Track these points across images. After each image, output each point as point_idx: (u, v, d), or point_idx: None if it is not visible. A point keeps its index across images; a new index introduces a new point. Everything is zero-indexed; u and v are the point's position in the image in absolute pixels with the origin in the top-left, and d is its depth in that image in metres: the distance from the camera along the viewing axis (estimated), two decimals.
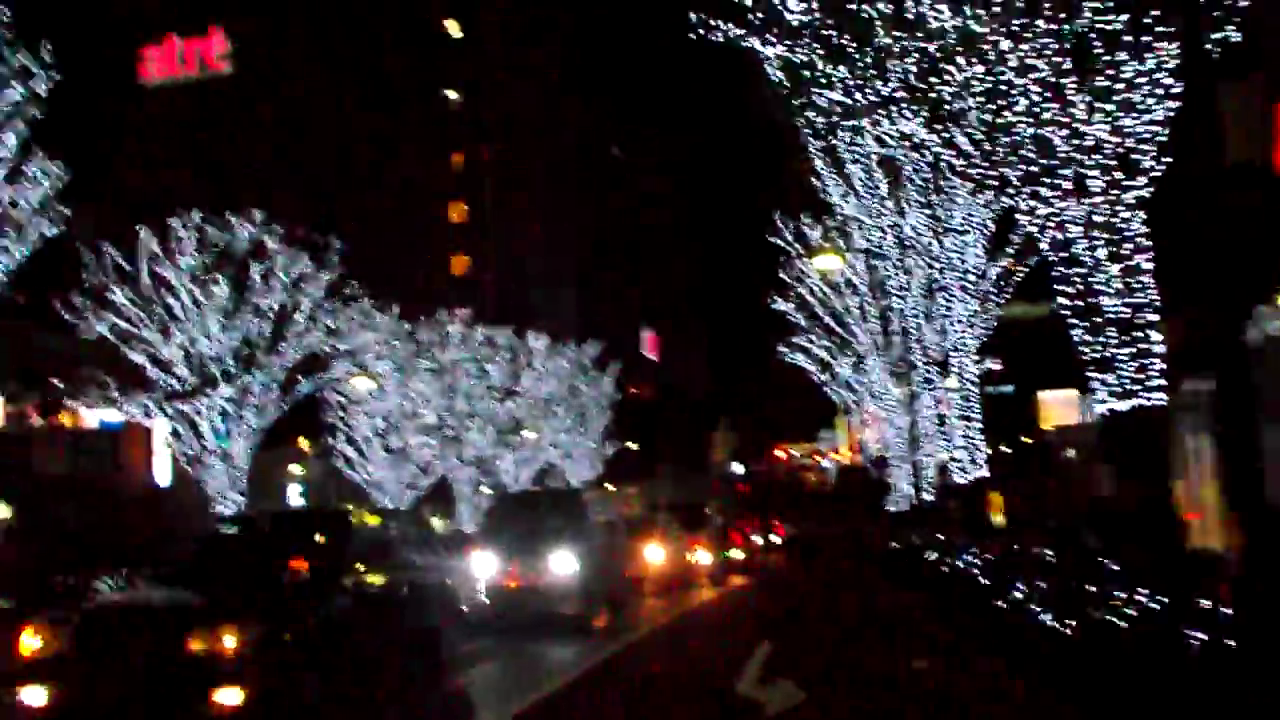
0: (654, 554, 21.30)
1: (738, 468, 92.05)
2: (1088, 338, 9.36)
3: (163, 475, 36.37)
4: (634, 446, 63.33)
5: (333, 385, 33.99)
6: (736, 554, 31.23)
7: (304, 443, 44.44)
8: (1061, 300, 9.34)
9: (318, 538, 9.16)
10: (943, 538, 16.10)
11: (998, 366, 24.03)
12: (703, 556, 25.85)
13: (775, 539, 34.75)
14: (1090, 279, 8.99)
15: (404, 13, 70.74)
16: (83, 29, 78.42)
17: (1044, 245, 9.44)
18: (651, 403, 76.50)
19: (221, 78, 74.85)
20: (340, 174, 68.14)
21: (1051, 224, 9.58)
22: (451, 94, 71.55)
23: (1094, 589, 8.46)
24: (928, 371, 17.48)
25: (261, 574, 8.44)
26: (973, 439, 15.65)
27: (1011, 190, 9.89)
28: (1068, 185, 9.15)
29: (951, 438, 16.02)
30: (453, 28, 72.31)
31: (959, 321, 15.68)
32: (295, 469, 41.31)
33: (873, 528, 35.99)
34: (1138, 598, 7.59)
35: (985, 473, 15.77)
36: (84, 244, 23.68)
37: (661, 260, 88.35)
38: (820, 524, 53.62)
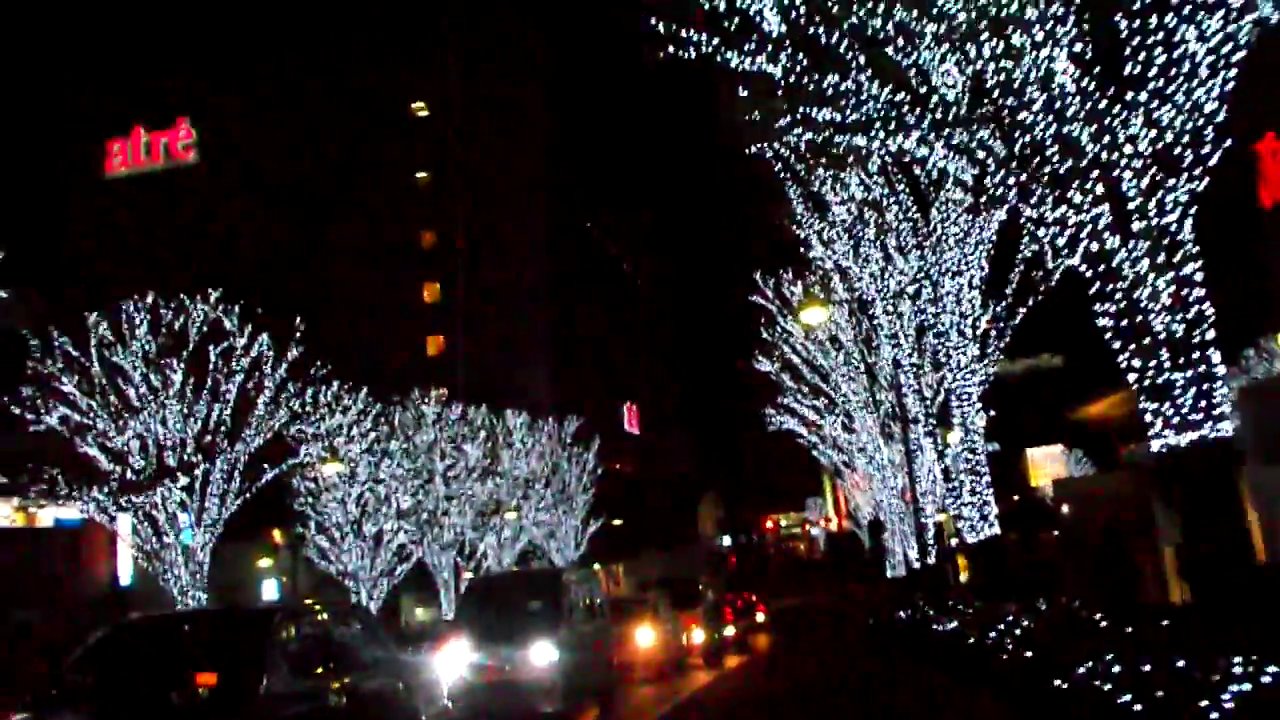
0: (645, 636, 19.81)
1: (726, 540, 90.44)
2: (1135, 363, 8.23)
3: (125, 573, 34.70)
4: (619, 523, 61.76)
5: (301, 472, 32.60)
6: (730, 631, 29.80)
7: (277, 534, 42.83)
8: (1102, 322, 8.27)
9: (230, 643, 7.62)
10: (960, 605, 14.81)
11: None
12: (697, 635, 24.39)
13: (760, 617, 33.02)
14: (1135, 295, 7.91)
15: (371, 95, 70.52)
16: (47, 123, 78.38)
17: (1074, 261, 8.44)
18: (634, 477, 75.02)
19: (187, 168, 74.35)
20: (310, 256, 67.27)
21: (1081, 236, 8.48)
22: (421, 174, 71.03)
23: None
24: (929, 424, 16.35)
25: (151, 694, 6.92)
26: (982, 494, 14.46)
27: (1034, 199, 8.83)
28: (1099, 189, 8.14)
29: (959, 494, 14.81)
30: (420, 109, 72.08)
31: (958, 368, 14.59)
32: (265, 562, 39.60)
33: (869, 595, 34.67)
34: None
35: (997, 529, 14.56)
36: (29, 329, 22.45)
37: (639, 334, 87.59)
38: (813, 594, 52.21)
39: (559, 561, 52.78)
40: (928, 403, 15.54)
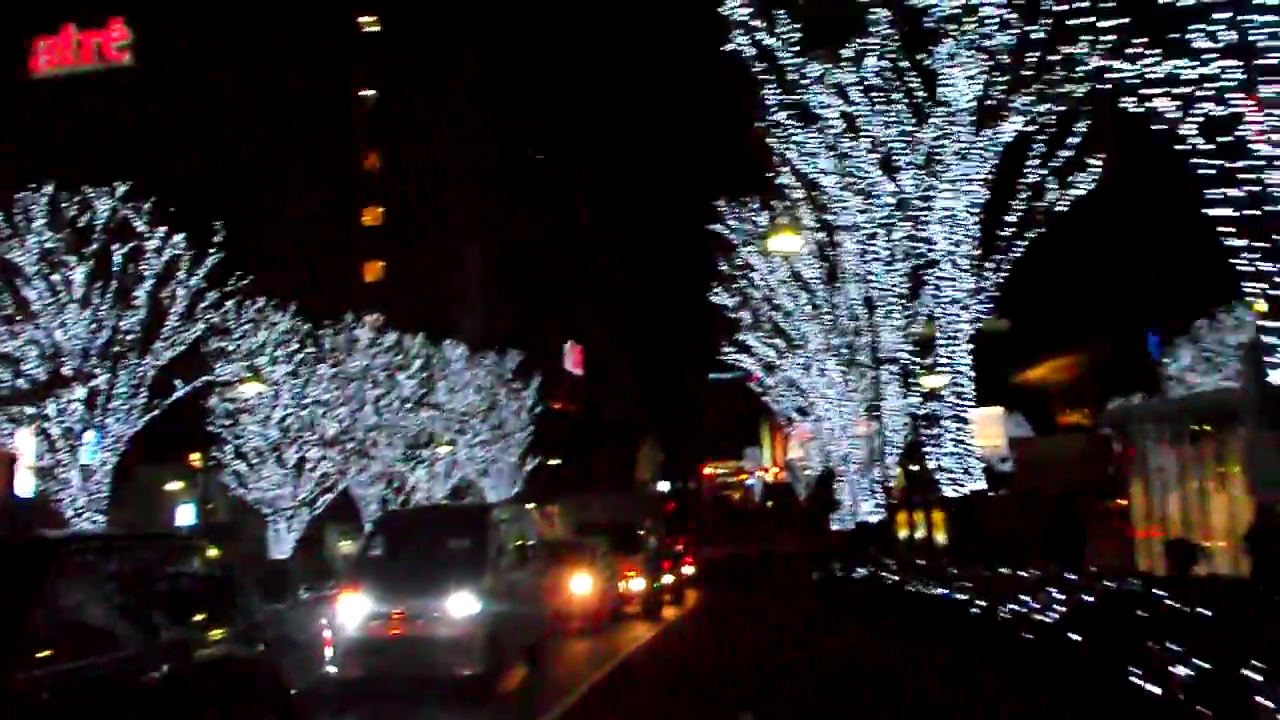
0: (582, 584, 18.18)
1: (664, 486, 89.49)
2: (1263, 266, 6.64)
3: (24, 489, 32.36)
4: (557, 463, 60.25)
5: (219, 391, 30.45)
6: (668, 579, 28.41)
7: (195, 458, 40.61)
8: (1220, 213, 6.69)
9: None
10: (932, 564, 13.34)
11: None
12: (635, 584, 22.89)
13: (687, 570, 31.04)
14: (1265, 180, 6.33)
15: (319, 6, 67.20)
16: None
17: (1187, 133, 6.86)
18: (575, 418, 73.49)
19: (120, 69, 70.53)
20: (246, 171, 64.23)
21: (1180, 102, 6.84)
22: (367, 92, 68.02)
23: None
24: (909, 365, 14.73)
25: None
26: (967, 445, 12.94)
27: (1128, 51, 7.18)
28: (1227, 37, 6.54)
29: (940, 443, 13.29)
30: (369, 23, 68.92)
31: (949, 303, 12.95)
32: (175, 485, 37.44)
33: (808, 547, 33.40)
34: None
35: (982, 484, 13.06)
36: None
37: (588, 271, 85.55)
38: (749, 544, 51.12)
39: (493, 499, 51.22)
40: (906, 341, 13.93)
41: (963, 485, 13.00)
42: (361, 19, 68.81)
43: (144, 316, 23.33)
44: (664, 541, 31.01)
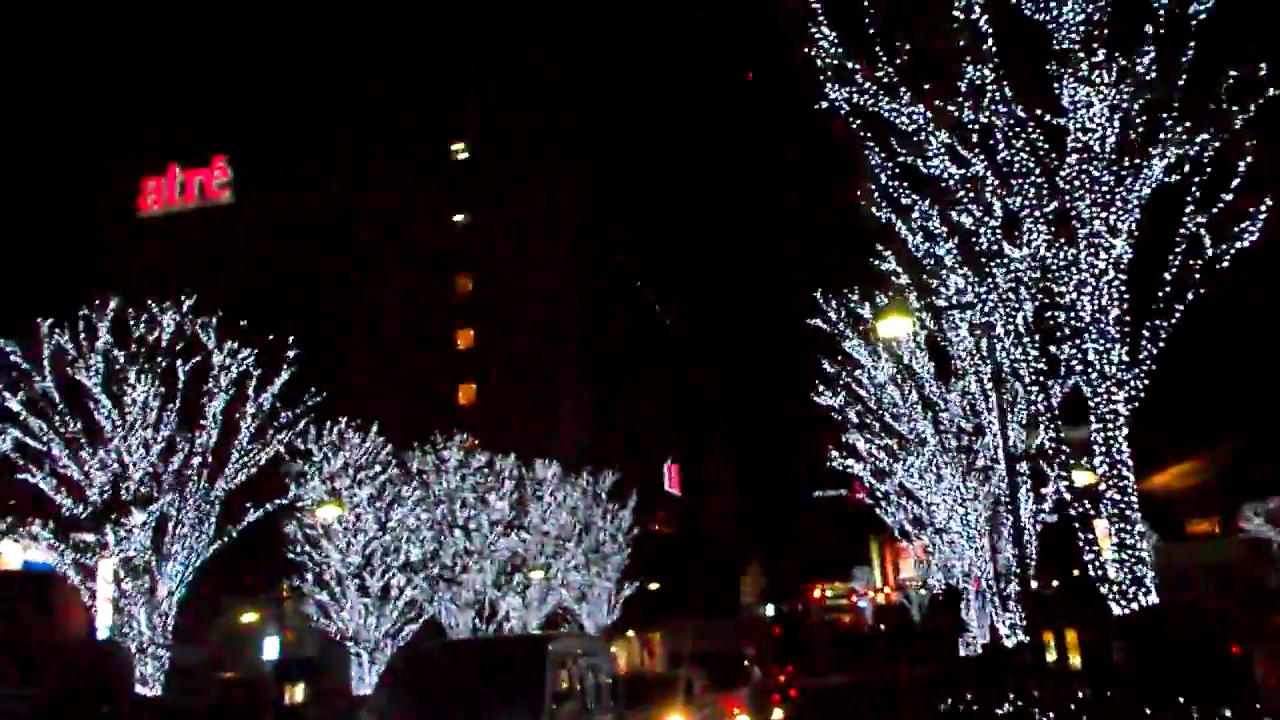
0: None
1: (769, 609, 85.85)
2: None
3: (103, 624, 31.24)
4: (655, 587, 57.70)
5: (298, 517, 29.23)
6: (778, 715, 25.71)
7: (284, 588, 39.38)
8: None
9: None
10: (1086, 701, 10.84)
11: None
12: None
13: (776, 712, 26.69)
14: None
15: (408, 134, 68.45)
16: (85, 162, 77.17)
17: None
18: (675, 539, 70.98)
19: (223, 206, 72.48)
20: (341, 298, 64.73)
21: None
22: (458, 217, 68.47)
23: None
24: (1052, 459, 12.50)
25: None
26: (1134, 547, 10.62)
27: None
28: None
29: (1096, 549, 11.00)
30: (459, 150, 69.78)
31: (1103, 379, 10.75)
32: (250, 617, 36.06)
33: (930, 676, 30.37)
34: None
35: (1154, 597, 10.67)
36: None
37: (682, 389, 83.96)
38: (862, 672, 47.72)
39: (590, 628, 48.88)
40: (1048, 426, 11.75)
41: (1130, 598, 10.65)
42: (453, 146, 69.65)
43: (213, 438, 22.13)
44: (770, 671, 28.38)
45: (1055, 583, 23.30)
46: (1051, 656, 23.76)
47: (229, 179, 72.96)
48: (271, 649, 40.40)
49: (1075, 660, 29.61)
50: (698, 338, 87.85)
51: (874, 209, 13.16)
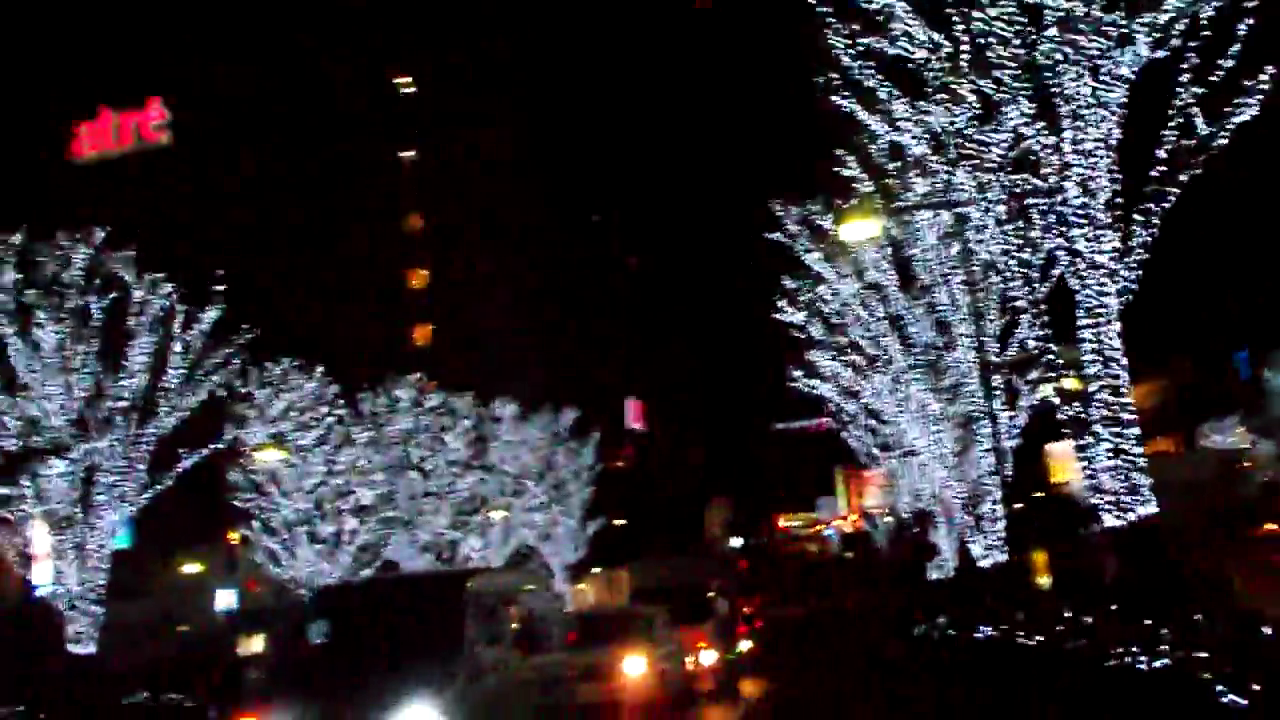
0: (634, 666, 14.83)
1: (735, 542, 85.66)
2: None
3: (43, 581, 29.98)
4: (621, 524, 57.05)
5: (240, 463, 27.96)
6: (746, 644, 24.97)
7: (233, 536, 38.15)
8: None
9: None
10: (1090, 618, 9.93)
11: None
12: (706, 657, 19.52)
13: (743, 644, 25.45)
14: None
15: (354, 69, 66.10)
16: (16, 108, 74.10)
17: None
18: (639, 475, 70.34)
19: (159, 149, 69.88)
20: (287, 240, 62.78)
21: None
22: (406, 153, 66.47)
23: None
24: (1028, 368, 11.54)
25: None
26: (1129, 453, 9.64)
27: None
28: None
29: (1094, 455, 9.98)
30: (405, 84, 67.60)
31: (1093, 268, 9.67)
32: (193, 568, 34.95)
33: (895, 600, 29.76)
34: None
35: (1154, 506, 9.71)
36: None
37: (644, 321, 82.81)
38: (831, 600, 47.43)
39: (555, 566, 48.14)
40: (1033, 323, 10.65)
41: (1128, 509, 9.70)
42: (397, 80, 67.47)
43: (138, 380, 20.76)
44: (736, 604, 27.58)
45: (1017, 505, 22.52)
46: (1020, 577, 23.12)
47: (165, 120, 70.30)
48: (226, 600, 39.33)
49: (1044, 581, 29.11)
50: (657, 268, 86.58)
51: (836, 97, 11.97)
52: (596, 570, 57.25)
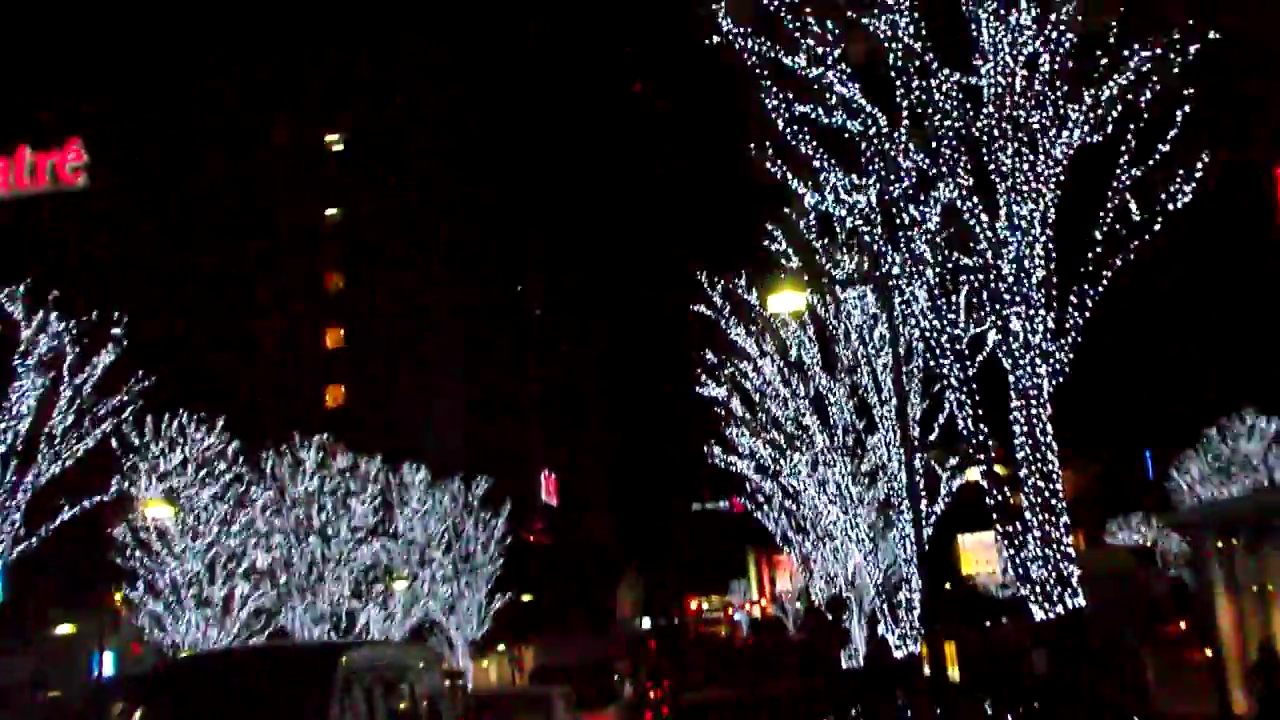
0: None
1: (645, 622, 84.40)
2: None
3: None
4: (528, 599, 55.63)
5: (130, 517, 26.48)
6: None
7: (118, 597, 36.15)
8: None
9: None
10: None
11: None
12: None
13: None
14: None
15: (279, 122, 65.25)
16: None
17: None
18: (550, 550, 69.04)
19: (75, 192, 67.91)
20: (202, 291, 61.11)
21: None
22: (329, 210, 65.50)
23: None
24: (955, 449, 11.20)
25: None
26: (1060, 542, 9.20)
27: None
28: None
29: (1021, 545, 9.54)
30: (334, 142, 66.84)
31: (1027, 349, 9.35)
32: (65, 628, 32.94)
33: (811, 690, 29.05)
34: None
35: (1080, 600, 9.30)
36: None
37: (563, 398, 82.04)
38: (741, 686, 46.47)
39: (458, 641, 46.61)
40: (964, 404, 10.23)
41: (1054, 600, 9.27)
42: (328, 138, 66.72)
43: (19, 424, 19.54)
44: (644, 686, 26.64)
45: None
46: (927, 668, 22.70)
47: (83, 163, 68.41)
48: (106, 665, 37.07)
49: (953, 673, 28.72)
50: (579, 341, 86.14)
51: (768, 164, 11.63)
52: (501, 647, 55.66)
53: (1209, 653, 15.97)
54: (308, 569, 33.80)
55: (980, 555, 76.61)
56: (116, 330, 20.46)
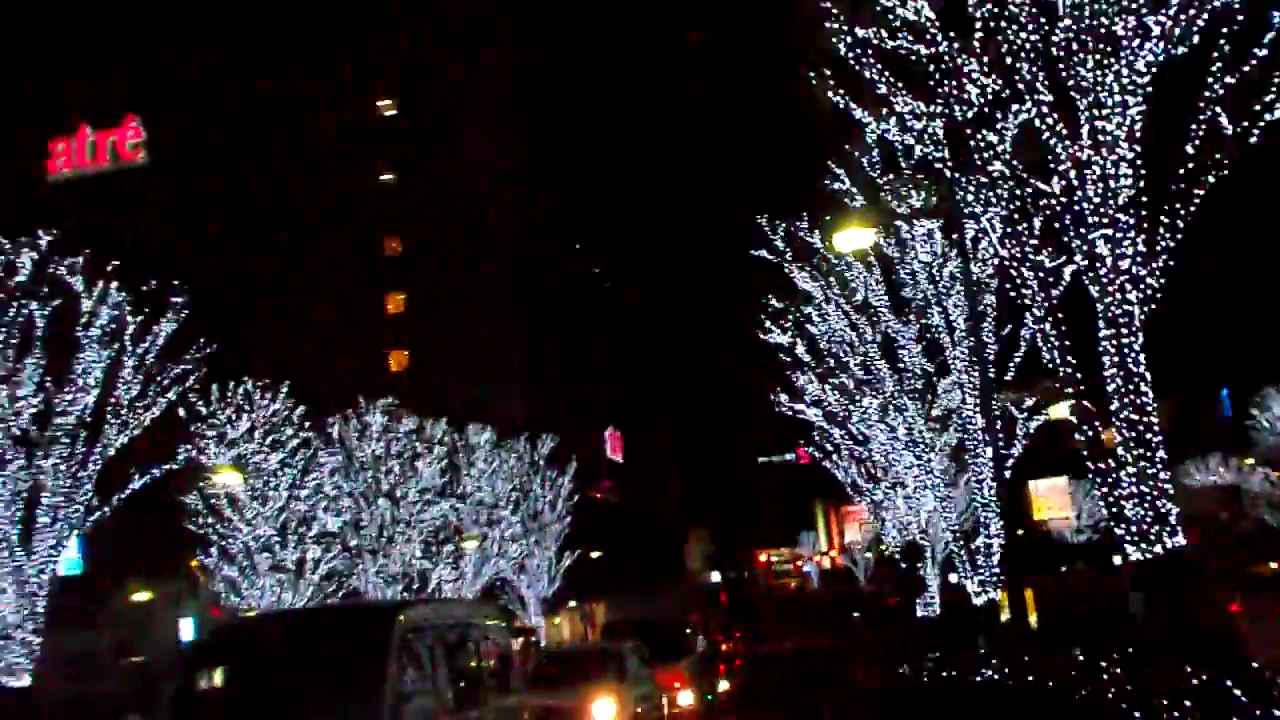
0: (603, 710, 13.57)
1: (715, 576, 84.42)
2: None
3: None
4: (598, 555, 55.79)
5: (202, 485, 26.74)
6: (725, 685, 23.80)
7: (194, 563, 36.74)
8: None
9: None
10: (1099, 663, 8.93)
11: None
12: (684, 698, 18.34)
13: (722, 684, 24.07)
14: None
15: (334, 91, 65.27)
16: None
17: None
18: (617, 507, 69.11)
19: (136, 168, 68.71)
20: (264, 262, 61.63)
21: None
22: (386, 176, 65.50)
23: None
24: (1032, 389, 10.53)
25: None
26: (1156, 477, 8.60)
27: None
28: None
29: (1114, 483, 8.97)
30: (387, 107, 66.70)
31: (1116, 274, 8.68)
32: (142, 595, 33.50)
33: (884, 640, 28.65)
34: None
35: (1180, 539, 8.67)
36: None
37: (627, 354, 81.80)
38: (813, 638, 46.24)
39: (529, 599, 46.88)
40: (1050, 333, 9.52)
41: (1152, 540, 8.67)
42: (380, 103, 66.60)
43: (88, 395, 19.63)
44: (716, 640, 26.42)
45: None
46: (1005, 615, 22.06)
47: (142, 139, 69.15)
48: (188, 629, 37.80)
49: (1032, 620, 28.08)
50: (641, 298, 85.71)
51: (829, 92, 11.03)
52: (572, 604, 55.99)
53: None
54: (377, 531, 34.04)
55: (1054, 500, 75.11)
56: (177, 299, 20.38)
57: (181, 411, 25.26)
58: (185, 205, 65.15)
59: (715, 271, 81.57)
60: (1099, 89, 8.97)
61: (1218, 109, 9.46)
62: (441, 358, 60.94)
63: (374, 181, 65.08)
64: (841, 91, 11.21)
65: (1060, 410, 11.76)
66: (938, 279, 16.82)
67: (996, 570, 17.29)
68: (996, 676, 11.28)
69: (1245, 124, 9.27)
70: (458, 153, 63.28)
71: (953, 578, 23.50)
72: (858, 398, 19.94)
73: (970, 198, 10.01)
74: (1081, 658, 9.50)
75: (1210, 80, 9.28)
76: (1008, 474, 18.62)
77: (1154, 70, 9.18)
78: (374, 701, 6.92)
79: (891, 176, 14.01)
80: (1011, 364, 16.36)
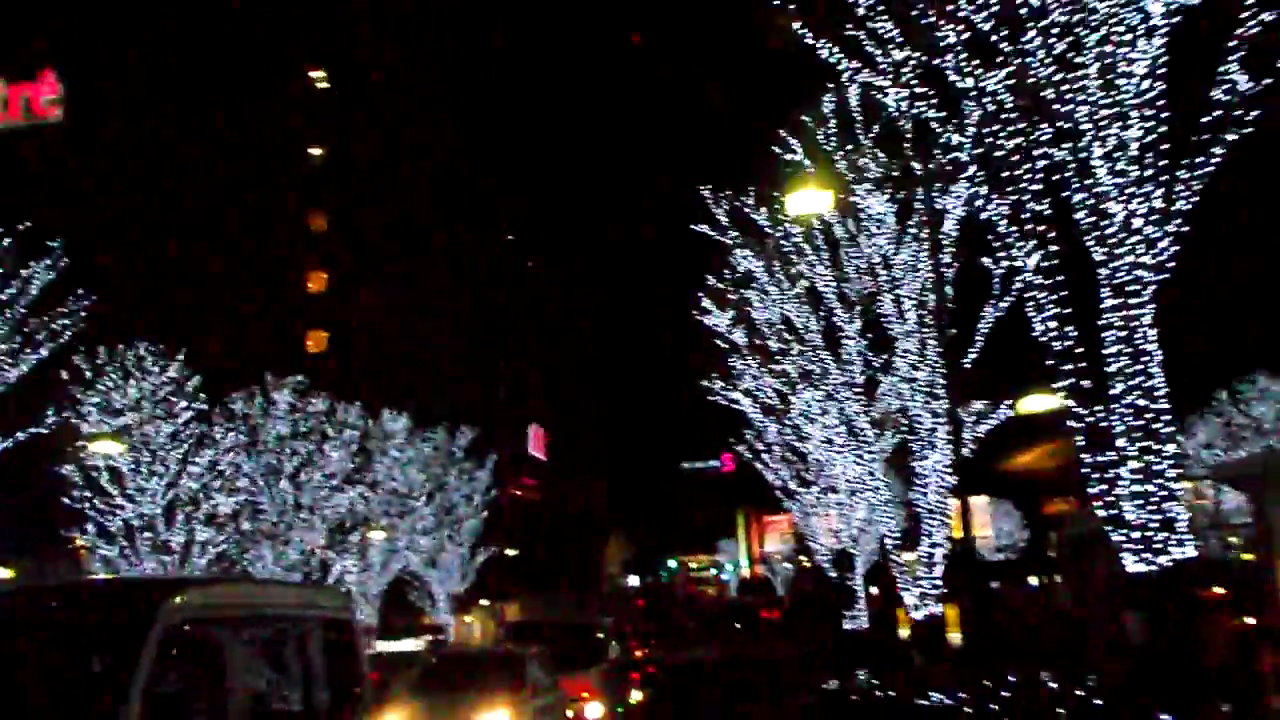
0: None
1: (634, 580, 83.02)
2: None
3: None
4: (513, 554, 54.01)
5: (79, 454, 24.49)
6: (637, 696, 22.20)
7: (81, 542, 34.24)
8: None
9: None
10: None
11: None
12: (591, 710, 16.74)
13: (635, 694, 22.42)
14: None
15: (265, 59, 62.63)
16: None
17: None
18: (537, 505, 67.34)
19: (50, 126, 65.32)
20: (181, 228, 58.82)
21: None
22: (315, 150, 63.05)
23: None
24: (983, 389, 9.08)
25: None
26: (1163, 475, 7.28)
27: None
28: None
29: (1111, 481, 7.66)
30: (319, 79, 64.27)
31: (1127, 234, 7.40)
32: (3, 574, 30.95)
33: (805, 650, 27.26)
34: None
35: (1189, 550, 7.37)
36: None
37: (553, 351, 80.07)
38: (731, 647, 44.82)
39: (440, 595, 44.99)
40: (1046, 304, 8.09)
41: (1158, 550, 7.34)
42: (312, 74, 64.14)
43: None
44: (630, 647, 24.82)
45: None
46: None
47: (59, 96, 65.74)
48: None
49: (954, 638, 27.00)
50: (570, 291, 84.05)
51: (794, 28, 9.54)
52: (485, 603, 54.12)
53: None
54: (277, 516, 32.02)
55: (975, 518, 75.20)
56: (53, 243, 18.32)
57: (64, 374, 23.18)
58: (101, 165, 62.03)
59: (654, 255, 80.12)
60: (1111, 21, 7.59)
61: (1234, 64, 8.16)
62: (362, 342, 58.67)
63: (303, 155, 62.63)
64: (804, 27, 9.72)
65: (1034, 403, 10.40)
66: (891, 265, 15.48)
67: (938, 583, 16.00)
68: (950, 702, 9.91)
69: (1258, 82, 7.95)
70: (390, 129, 61.19)
71: (874, 590, 22.32)
72: (799, 387, 18.52)
73: (955, 151, 8.59)
74: (1054, 686, 8.14)
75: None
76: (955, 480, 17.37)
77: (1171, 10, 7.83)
78: (118, 711, 4.92)
79: (850, 148, 12.61)
80: (967, 358, 15.06)
